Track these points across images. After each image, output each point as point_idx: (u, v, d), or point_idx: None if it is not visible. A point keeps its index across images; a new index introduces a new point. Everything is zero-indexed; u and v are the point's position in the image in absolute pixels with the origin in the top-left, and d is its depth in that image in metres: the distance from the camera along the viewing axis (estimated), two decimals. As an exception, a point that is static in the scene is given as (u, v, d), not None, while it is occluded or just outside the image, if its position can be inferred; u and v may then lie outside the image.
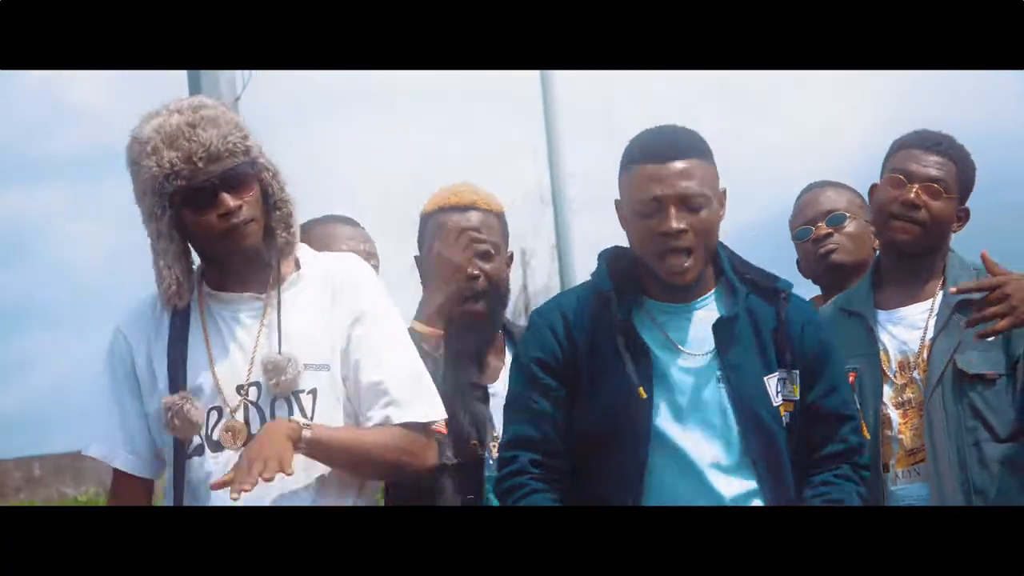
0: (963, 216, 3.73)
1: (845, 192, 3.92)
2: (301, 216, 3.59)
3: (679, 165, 3.05)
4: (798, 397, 3.13)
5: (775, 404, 3.11)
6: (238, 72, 8.21)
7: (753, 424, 3.09)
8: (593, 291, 3.17)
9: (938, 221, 3.66)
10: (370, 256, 3.77)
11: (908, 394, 3.61)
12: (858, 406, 3.37)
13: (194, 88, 8.02)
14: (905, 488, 3.60)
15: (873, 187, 3.79)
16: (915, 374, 3.62)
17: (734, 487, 3.08)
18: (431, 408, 3.13)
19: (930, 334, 3.63)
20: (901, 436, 3.60)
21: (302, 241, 3.60)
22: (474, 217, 3.58)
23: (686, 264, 3.06)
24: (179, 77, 7.83)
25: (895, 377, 3.63)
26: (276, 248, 3.07)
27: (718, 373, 3.10)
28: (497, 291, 3.59)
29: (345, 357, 3.07)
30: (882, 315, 3.69)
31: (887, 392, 3.61)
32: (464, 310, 3.55)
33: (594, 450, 3.10)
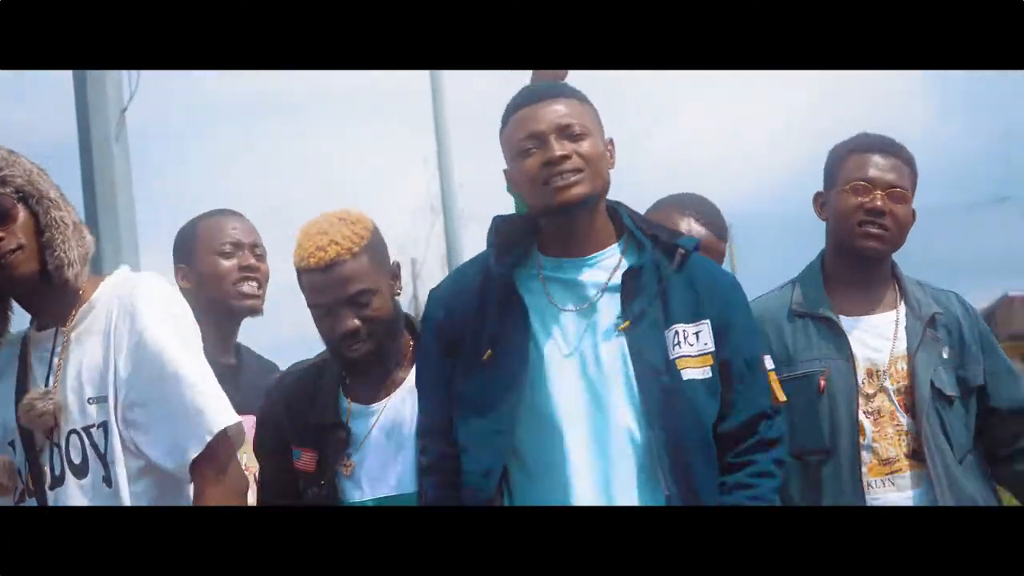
0: (914, 217, 3.70)
1: (721, 242, 3.79)
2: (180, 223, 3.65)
3: (553, 103, 3.06)
4: (714, 348, 3.06)
5: (671, 357, 3.02)
6: (124, 81, 7.88)
7: (650, 376, 3.01)
8: (482, 256, 3.16)
9: (903, 227, 3.62)
10: (255, 247, 3.78)
11: (877, 403, 3.56)
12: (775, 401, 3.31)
13: (80, 98, 7.70)
14: (880, 498, 3.53)
15: (819, 195, 3.73)
16: (886, 383, 3.57)
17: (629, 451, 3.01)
18: (203, 434, 3.00)
19: (900, 345, 3.59)
20: (875, 445, 3.54)
21: (188, 238, 3.80)
22: (340, 273, 3.39)
23: (574, 179, 3.01)
24: (67, 88, 7.49)
25: (864, 385, 3.57)
26: (60, 275, 3.03)
27: (617, 321, 3.04)
28: (383, 325, 3.42)
29: (119, 388, 3.02)
30: (845, 320, 3.62)
31: (861, 398, 3.55)
32: (350, 360, 3.40)
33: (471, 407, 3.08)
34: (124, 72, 7.79)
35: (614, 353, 3.03)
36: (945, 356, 3.59)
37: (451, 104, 13.20)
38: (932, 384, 3.55)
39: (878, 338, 3.60)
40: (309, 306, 3.46)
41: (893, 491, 3.53)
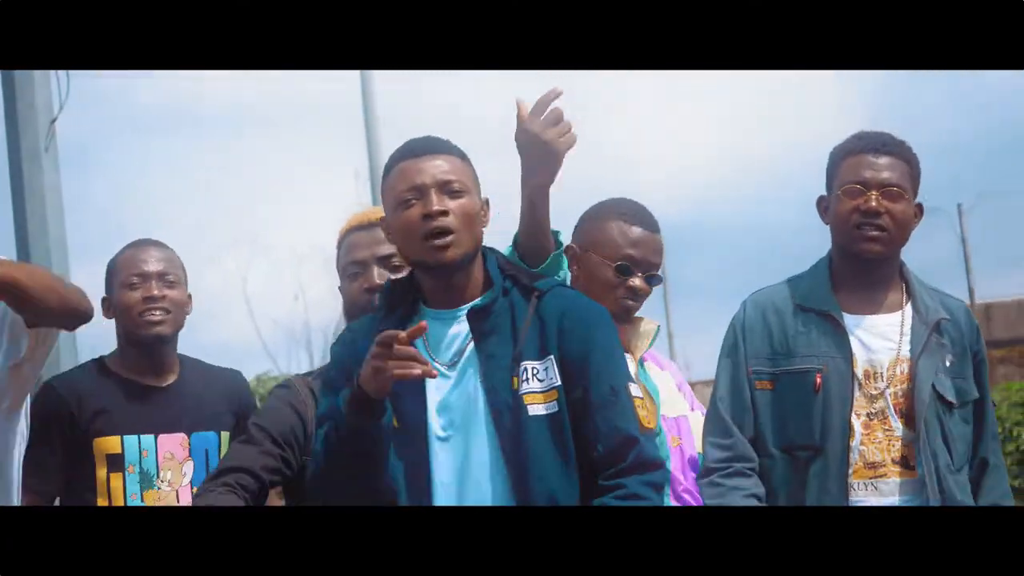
0: (919, 212, 3.67)
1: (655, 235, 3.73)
2: (113, 239, 3.81)
3: (436, 158, 3.16)
4: (560, 383, 3.10)
5: (520, 392, 3.09)
6: (54, 90, 7.71)
7: (502, 413, 3.08)
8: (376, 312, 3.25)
9: (901, 225, 3.60)
10: (163, 275, 3.98)
11: (876, 406, 3.54)
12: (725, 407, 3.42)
13: (9, 107, 7.53)
14: (861, 501, 3.51)
15: (822, 199, 3.71)
16: (885, 387, 3.55)
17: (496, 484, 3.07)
18: None
19: (904, 349, 3.57)
20: (863, 448, 3.53)
21: (109, 271, 4.00)
22: (380, 233, 3.52)
23: (450, 239, 3.11)
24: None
25: (863, 385, 3.56)
26: None
27: (475, 366, 3.12)
28: None
29: None
30: (849, 318, 3.61)
31: (857, 399, 3.54)
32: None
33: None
34: (54, 82, 7.65)
35: (472, 395, 3.12)
36: (947, 363, 3.58)
37: (383, 116, 13.10)
38: (934, 388, 3.53)
39: (880, 339, 3.59)
40: (345, 267, 3.65)
41: (875, 495, 3.51)
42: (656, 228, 3.71)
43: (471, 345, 3.13)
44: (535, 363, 3.10)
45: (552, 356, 3.10)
